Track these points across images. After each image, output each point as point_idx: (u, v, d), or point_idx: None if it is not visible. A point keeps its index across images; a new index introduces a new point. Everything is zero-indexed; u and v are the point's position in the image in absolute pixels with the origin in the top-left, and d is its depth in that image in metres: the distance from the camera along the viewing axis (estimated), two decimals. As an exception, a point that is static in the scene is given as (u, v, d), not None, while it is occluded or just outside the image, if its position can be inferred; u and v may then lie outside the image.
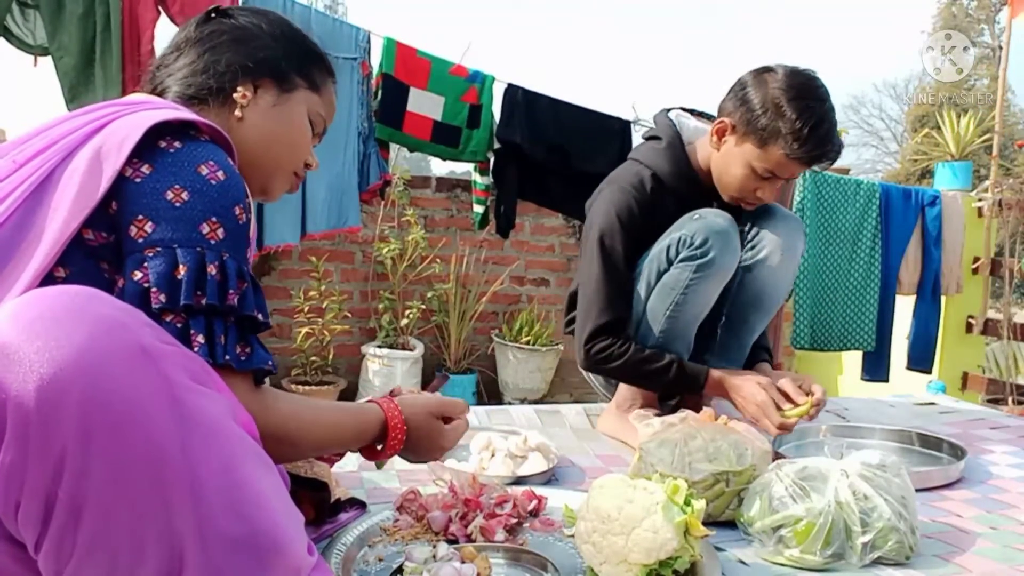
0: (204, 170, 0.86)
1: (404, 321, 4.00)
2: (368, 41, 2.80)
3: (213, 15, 1.07)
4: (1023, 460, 1.77)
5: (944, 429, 1.98)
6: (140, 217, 0.83)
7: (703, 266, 1.63)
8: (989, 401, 3.62)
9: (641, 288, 1.71)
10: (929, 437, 1.79)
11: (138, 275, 0.82)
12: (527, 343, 4.16)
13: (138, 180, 0.84)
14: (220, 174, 0.87)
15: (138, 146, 0.84)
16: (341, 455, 1.27)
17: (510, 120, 2.97)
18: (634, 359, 1.67)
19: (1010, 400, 3.62)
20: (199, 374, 0.74)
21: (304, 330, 3.83)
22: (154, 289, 0.81)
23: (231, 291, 0.85)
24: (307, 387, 3.80)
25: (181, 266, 0.82)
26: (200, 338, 0.82)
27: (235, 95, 1.02)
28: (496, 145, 3.00)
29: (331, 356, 3.92)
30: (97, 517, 0.66)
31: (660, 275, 1.68)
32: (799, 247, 1.78)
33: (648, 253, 1.71)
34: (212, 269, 0.84)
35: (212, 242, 0.85)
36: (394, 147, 3.12)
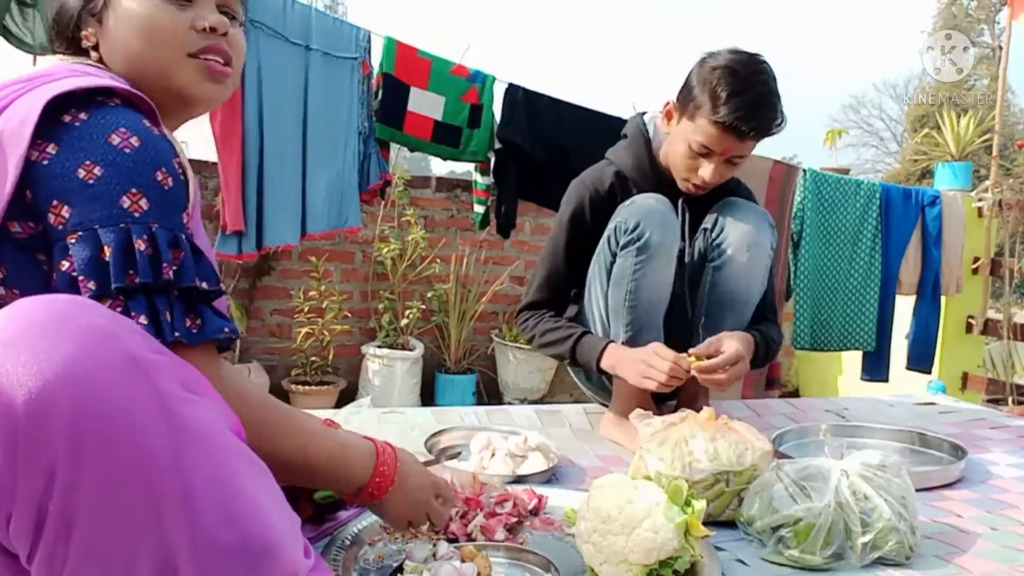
0: (115, 139, 0.80)
1: (404, 321, 4.00)
2: (368, 41, 2.80)
3: None
4: (1023, 460, 1.77)
5: (944, 429, 1.98)
6: (55, 202, 0.77)
7: (642, 248, 1.65)
8: (989, 401, 3.62)
9: (597, 287, 1.74)
10: (929, 437, 1.79)
11: (65, 264, 0.77)
12: (527, 343, 4.15)
13: (46, 162, 0.78)
14: (134, 140, 0.80)
15: (41, 124, 0.78)
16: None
17: (511, 120, 2.97)
18: (541, 328, 1.81)
19: (1010, 400, 3.62)
20: (190, 381, 0.73)
21: (304, 330, 3.83)
22: (81, 277, 0.76)
23: (164, 264, 0.79)
24: (307, 387, 3.80)
25: (106, 247, 0.77)
26: (143, 319, 0.77)
27: (82, 43, 0.94)
28: (497, 145, 3.00)
29: (331, 356, 3.92)
30: (89, 528, 0.66)
31: (610, 270, 1.71)
32: (766, 240, 1.74)
33: (596, 250, 1.75)
34: (140, 244, 0.78)
35: (136, 215, 0.79)
36: (394, 147, 3.12)
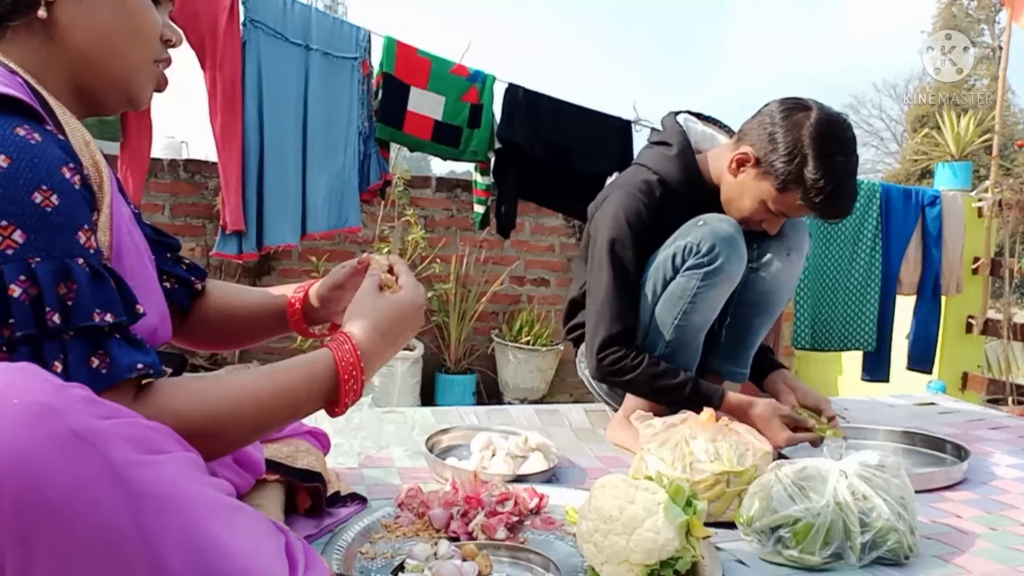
0: None
1: (404, 321, 4.00)
2: (368, 40, 2.80)
3: None
4: (1023, 460, 1.77)
5: (944, 429, 1.98)
6: None
7: (710, 273, 1.61)
8: (989, 401, 3.62)
9: (647, 297, 1.68)
10: (932, 438, 1.79)
11: None
12: (527, 343, 4.16)
13: None
14: (0, 160, 0.70)
15: None
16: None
17: (511, 120, 2.97)
18: (648, 373, 1.64)
19: (1010, 400, 3.62)
20: (144, 440, 0.67)
21: (304, 330, 3.82)
22: None
23: (48, 309, 0.70)
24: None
25: None
26: None
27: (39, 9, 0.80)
28: (497, 145, 3.00)
29: (331, 356, 3.91)
30: None
31: (666, 283, 1.66)
32: (805, 248, 1.79)
33: (652, 261, 1.69)
34: (15, 290, 0.69)
35: (9, 253, 0.69)
36: (394, 147, 3.12)
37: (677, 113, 1.83)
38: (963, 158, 4.13)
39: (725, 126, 1.84)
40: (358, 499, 1.28)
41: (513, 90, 2.99)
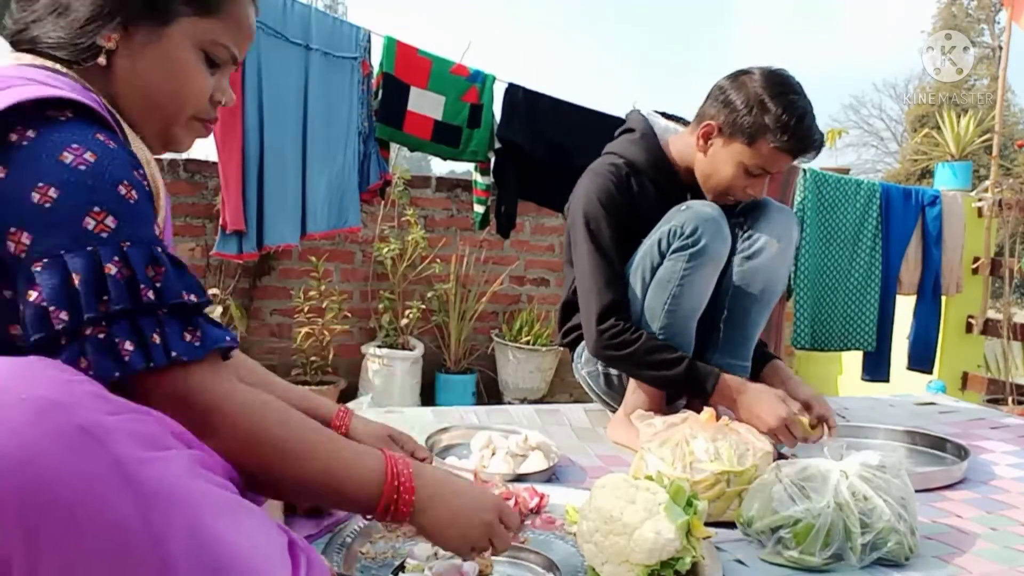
0: (68, 157, 0.74)
1: (404, 321, 4.00)
2: (368, 40, 2.81)
3: None
4: (1023, 460, 1.77)
5: (944, 429, 1.98)
6: (12, 229, 0.72)
7: (695, 255, 1.64)
8: (989, 401, 3.62)
9: (637, 285, 1.71)
10: (932, 437, 1.79)
11: (33, 295, 0.71)
12: (527, 343, 4.16)
13: None
14: (88, 156, 0.75)
15: None
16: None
17: (511, 120, 2.97)
18: (647, 346, 1.65)
19: (1010, 400, 3.62)
20: (151, 437, 0.68)
21: (304, 330, 3.83)
22: (52, 308, 0.71)
23: (143, 286, 0.74)
24: (307, 387, 3.80)
25: (74, 274, 0.71)
26: (128, 345, 0.72)
27: (98, 40, 0.85)
28: (497, 145, 3.00)
29: (331, 356, 3.91)
30: None
31: (654, 270, 1.69)
32: (794, 236, 1.81)
33: (640, 249, 1.73)
34: (111, 268, 0.73)
35: (104, 235, 0.74)
36: (394, 147, 3.12)
37: (638, 109, 1.91)
38: (963, 158, 4.13)
39: (687, 122, 1.88)
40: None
41: (513, 90, 2.99)
